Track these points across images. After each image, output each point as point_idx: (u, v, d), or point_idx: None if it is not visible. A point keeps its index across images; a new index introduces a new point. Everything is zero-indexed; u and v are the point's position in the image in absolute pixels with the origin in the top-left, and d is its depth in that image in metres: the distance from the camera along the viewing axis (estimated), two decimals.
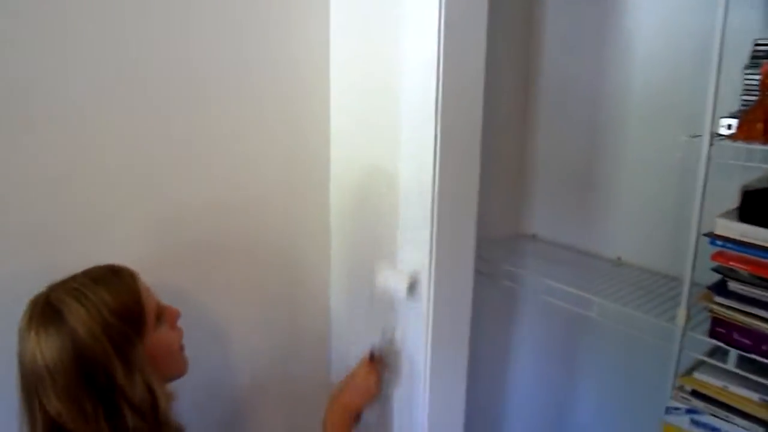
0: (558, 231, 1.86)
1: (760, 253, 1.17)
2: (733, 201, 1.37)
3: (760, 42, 1.25)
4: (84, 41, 1.05)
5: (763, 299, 1.18)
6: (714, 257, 1.23)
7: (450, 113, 1.20)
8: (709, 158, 1.21)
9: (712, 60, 1.18)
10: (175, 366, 1.02)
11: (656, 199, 1.60)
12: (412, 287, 1.27)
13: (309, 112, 1.42)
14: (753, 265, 1.18)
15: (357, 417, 1.28)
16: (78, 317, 0.81)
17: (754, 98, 1.26)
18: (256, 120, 1.32)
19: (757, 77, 1.25)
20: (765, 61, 1.16)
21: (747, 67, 1.27)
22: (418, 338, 1.29)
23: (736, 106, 1.32)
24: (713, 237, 1.24)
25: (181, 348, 1.05)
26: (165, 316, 0.98)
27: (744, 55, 1.37)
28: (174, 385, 1.01)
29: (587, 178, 1.76)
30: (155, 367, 0.92)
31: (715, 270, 1.26)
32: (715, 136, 1.22)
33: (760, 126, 1.16)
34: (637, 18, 1.59)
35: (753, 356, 1.20)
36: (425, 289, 1.27)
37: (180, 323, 1.04)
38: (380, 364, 1.32)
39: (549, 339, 1.93)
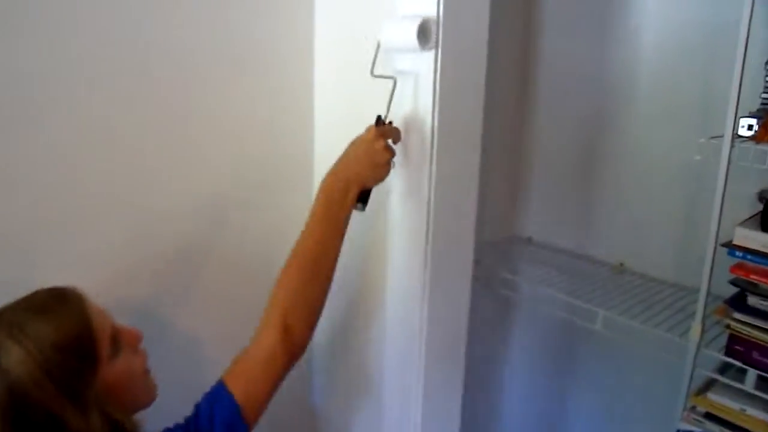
0: (555, 234, 1.76)
1: None
2: (748, 206, 1.28)
3: None
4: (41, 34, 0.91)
5: None
6: (733, 269, 1.14)
7: (449, 106, 1.08)
8: (730, 161, 1.11)
9: (737, 55, 1.07)
10: (141, 393, 0.89)
11: (662, 203, 1.50)
12: (424, 31, 1.01)
13: (291, 109, 1.29)
14: None
15: (359, 198, 1.02)
16: (13, 358, 0.67)
17: None
18: (235, 120, 1.20)
19: None
20: None
21: None
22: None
23: (754, 105, 1.22)
24: (733, 248, 1.14)
25: (146, 372, 0.91)
26: (123, 340, 0.85)
27: (756, 50, 1.27)
28: (142, 413, 0.88)
29: (587, 178, 1.65)
30: (118, 399, 0.79)
31: (733, 283, 1.16)
32: (737, 137, 1.11)
33: None
34: (643, 8, 1.48)
35: None
36: (419, 301, 1.15)
37: (148, 344, 0.91)
38: (389, 132, 1.06)
39: (547, 351, 1.83)
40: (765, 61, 1.17)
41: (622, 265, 1.60)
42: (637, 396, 1.60)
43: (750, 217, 1.18)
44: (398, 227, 1.18)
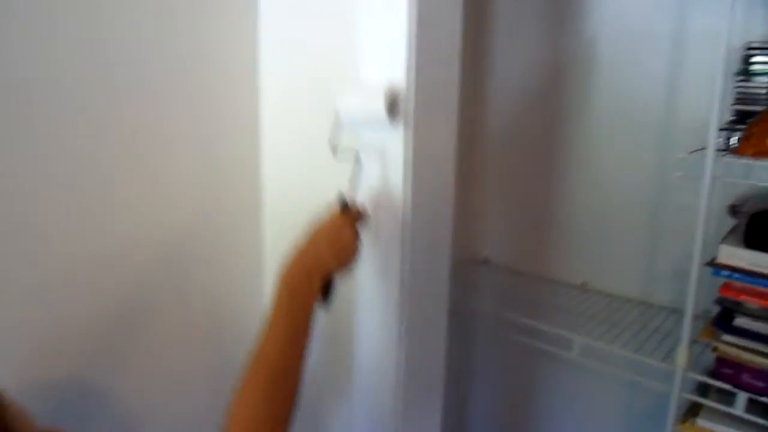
0: (513, 255, 1.68)
1: None
2: (714, 221, 1.26)
3: (754, 46, 1.12)
4: None
5: None
6: (722, 291, 1.08)
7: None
8: (714, 177, 1.06)
9: (718, 67, 1.02)
10: None
11: (622, 219, 1.46)
12: (393, 103, 0.89)
13: (234, 128, 1.12)
14: (765, 298, 1.04)
15: (326, 289, 0.86)
16: None
17: (748, 108, 1.13)
18: (173, 141, 1.01)
19: (755, 85, 1.13)
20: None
21: (740, 73, 1.14)
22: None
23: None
24: (718, 267, 1.09)
25: None
26: None
27: (708, 59, 1.26)
28: None
29: (544, 196, 1.59)
30: None
31: (718, 302, 1.11)
32: (720, 151, 1.07)
33: None
34: (599, 18, 1.44)
35: (767, 400, 1.06)
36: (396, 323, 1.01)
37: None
38: (357, 215, 0.92)
39: (511, 378, 1.74)
40: (734, 71, 1.14)
41: (584, 284, 1.54)
42: (619, 425, 1.53)
43: (729, 233, 1.14)
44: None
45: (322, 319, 0.85)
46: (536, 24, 1.53)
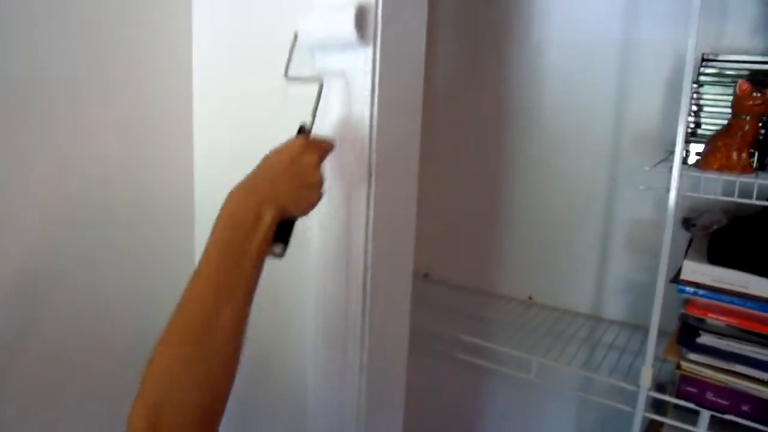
0: (454, 269, 1.59)
1: (740, 301, 1.01)
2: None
3: (711, 58, 1.11)
4: None
5: (744, 353, 1.02)
6: (689, 309, 1.06)
7: (388, 111, 0.85)
8: (679, 191, 1.02)
9: (685, 79, 0.99)
10: None
11: (572, 230, 1.42)
12: (361, 21, 0.78)
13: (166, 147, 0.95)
14: (733, 315, 1.02)
15: (281, 232, 0.68)
16: None
17: (708, 120, 1.12)
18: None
19: (710, 96, 1.11)
20: (739, 79, 1.00)
21: (698, 84, 1.12)
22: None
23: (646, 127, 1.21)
24: (682, 283, 1.06)
25: None
26: None
27: (651, 68, 1.26)
28: None
29: (487, 207, 1.52)
30: None
31: (681, 319, 1.09)
32: (685, 165, 1.04)
33: (737, 155, 1.00)
34: (547, 27, 1.38)
35: (731, 417, 1.04)
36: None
37: None
38: (321, 145, 0.76)
39: (460, 400, 1.65)
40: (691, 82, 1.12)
41: (530, 298, 1.49)
42: None
43: (690, 248, 1.12)
44: (321, 260, 0.91)
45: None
46: (482, 30, 1.46)
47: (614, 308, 1.37)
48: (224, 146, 1.03)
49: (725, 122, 1.05)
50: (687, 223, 1.19)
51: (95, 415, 0.92)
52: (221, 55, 1.01)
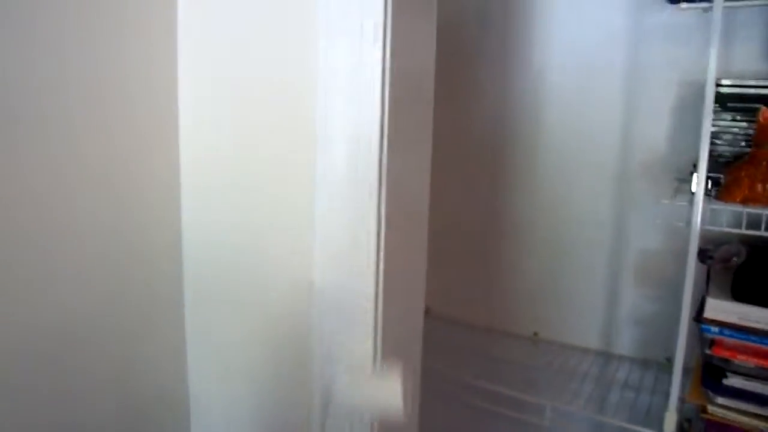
0: (455, 304, 1.52)
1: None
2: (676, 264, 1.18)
3: (724, 83, 1.06)
4: None
5: None
6: (715, 350, 0.99)
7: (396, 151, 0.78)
8: (703, 222, 0.97)
9: (706, 107, 0.94)
10: None
11: (578, 264, 1.35)
12: None
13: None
14: (763, 356, 0.96)
15: None
16: None
17: (724, 148, 1.07)
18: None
19: (726, 123, 1.07)
20: (762, 107, 0.95)
21: (714, 111, 1.07)
22: None
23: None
24: (707, 322, 1.00)
25: None
26: None
27: (657, 93, 1.21)
28: None
29: (491, 240, 1.45)
30: None
31: (707, 360, 1.03)
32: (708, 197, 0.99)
33: (762, 186, 0.95)
34: (548, 51, 1.34)
35: None
36: None
37: None
38: None
39: None
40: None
41: (536, 334, 1.42)
42: None
43: (711, 284, 1.06)
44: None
45: None
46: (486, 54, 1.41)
47: (623, 342, 1.31)
48: (211, 149, 0.94)
49: (734, 149, 1.00)
50: (703, 254, 1.13)
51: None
52: (208, 58, 0.92)
